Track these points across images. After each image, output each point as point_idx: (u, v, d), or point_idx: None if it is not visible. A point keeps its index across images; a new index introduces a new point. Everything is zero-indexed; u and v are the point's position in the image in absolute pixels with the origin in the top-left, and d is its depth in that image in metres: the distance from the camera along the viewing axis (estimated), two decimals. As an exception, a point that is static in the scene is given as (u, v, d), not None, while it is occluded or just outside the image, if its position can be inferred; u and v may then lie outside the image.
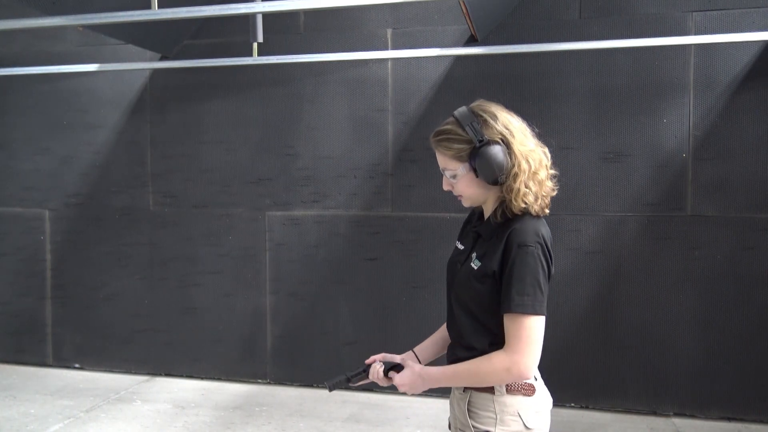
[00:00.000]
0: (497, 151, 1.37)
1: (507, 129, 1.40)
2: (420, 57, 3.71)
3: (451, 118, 1.43)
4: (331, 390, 1.58)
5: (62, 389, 4.09)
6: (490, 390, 1.41)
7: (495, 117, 1.41)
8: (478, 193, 1.46)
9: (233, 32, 4.07)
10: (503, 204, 1.43)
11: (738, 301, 3.49)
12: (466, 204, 1.51)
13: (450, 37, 3.79)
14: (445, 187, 1.51)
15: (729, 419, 3.52)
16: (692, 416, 3.56)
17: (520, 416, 1.41)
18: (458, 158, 1.42)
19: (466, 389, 1.46)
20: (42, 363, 4.56)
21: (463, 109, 1.42)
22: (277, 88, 4.07)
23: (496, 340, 1.40)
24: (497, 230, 1.43)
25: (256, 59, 3.61)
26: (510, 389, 1.41)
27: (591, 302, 3.67)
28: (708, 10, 3.47)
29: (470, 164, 1.40)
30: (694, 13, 3.49)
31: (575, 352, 3.69)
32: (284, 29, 4.03)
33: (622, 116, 3.59)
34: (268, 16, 3.77)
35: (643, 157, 3.58)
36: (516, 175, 1.38)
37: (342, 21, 3.96)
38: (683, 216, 3.55)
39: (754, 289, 3.48)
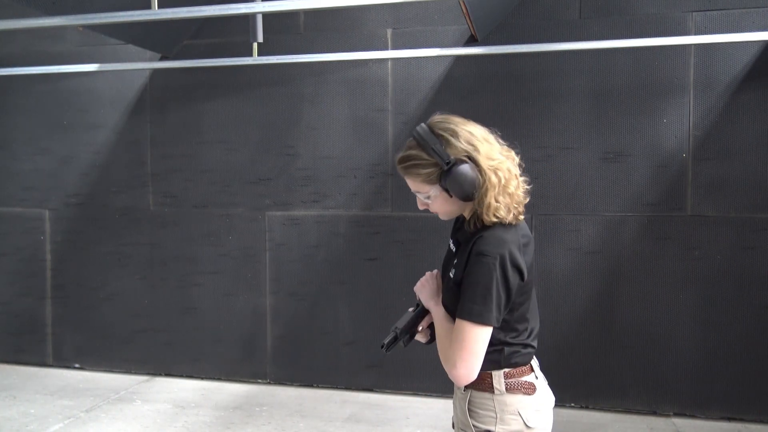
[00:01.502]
0: (466, 169, 1.35)
1: (471, 145, 1.36)
2: (420, 57, 3.71)
3: (413, 141, 1.40)
4: (387, 350, 1.47)
5: (62, 389, 4.09)
6: (490, 389, 1.43)
7: (456, 134, 1.37)
8: (454, 209, 1.47)
9: (233, 32, 4.07)
10: (476, 214, 1.42)
11: (738, 301, 3.49)
12: (444, 218, 1.52)
13: (450, 37, 3.79)
14: (421, 207, 1.50)
15: (729, 419, 3.52)
16: (692, 416, 3.56)
17: (520, 415, 1.41)
18: (428, 181, 1.40)
19: (466, 389, 1.46)
20: (42, 363, 4.56)
21: (423, 128, 1.39)
22: (277, 88, 4.07)
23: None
24: (470, 238, 1.42)
25: (256, 59, 3.60)
26: (510, 388, 1.42)
27: (591, 302, 3.67)
28: (708, 10, 3.47)
29: (441, 185, 1.39)
30: (694, 13, 3.49)
31: (575, 352, 3.69)
32: (284, 29, 4.03)
33: (622, 116, 3.59)
34: (268, 16, 3.77)
35: (643, 157, 3.58)
36: (486, 190, 1.36)
37: (342, 21, 3.96)
38: (683, 216, 3.55)
39: (754, 289, 3.48)
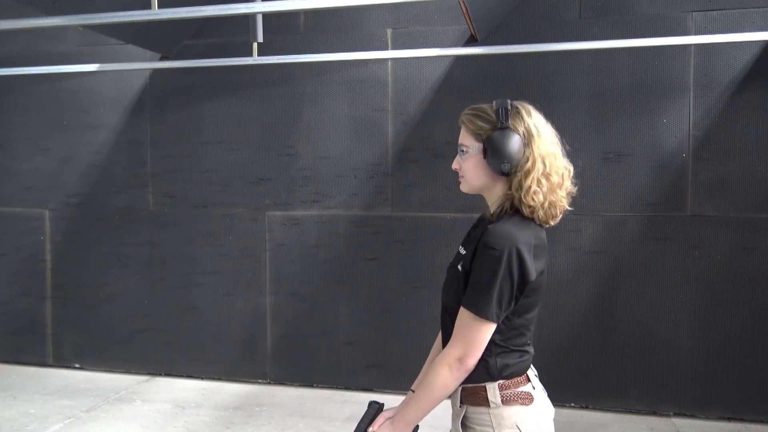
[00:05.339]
0: (513, 139, 1.36)
1: (535, 128, 1.39)
2: (420, 57, 3.71)
3: (490, 103, 1.42)
4: None
5: (62, 389, 4.09)
6: (485, 403, 1.38)
7: (529, 114, 1.41)
8: (479, 178, 1.42)
9: (233, 32, 4.06)
10: (503, 206, 1.40)
11: (738, 301, 3.50)
12: (463, 188, 1.47)
13: (450, 37, 3.79)
14: (454, 165, 1.47)
15: (729, 419, 3.52)
16: (692, 416, 3.56)
17: (518, 428, 1.36)
18: (476, 136, 1.41)
19: (462, 404, 1.43)
20: (42, 363, 4.56)
21: (504, 99, 1.42)
22: (277, 88, 4.07)
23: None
24: (483, 231, 1.40)
25: (256, 59, 3.60)
26: (506, 400, 1.37)
27: (591, 302, 3.67)
28: (708, 10, 3.47)
29: (483, 144, 1.38)
30: (694, 13, 3.49)
31: (575, 352, 3.69)
32: (284, 29, 4.03)
33: (622, 116, 3.59)
34: (268, 16, 3.77)
35: (643, 157, 3.58)
36: (528, 172, 1.35)
37: (342, 21, 3.96)
38: (683, 216, 3.55)
39: (754, 289, 3.48)
